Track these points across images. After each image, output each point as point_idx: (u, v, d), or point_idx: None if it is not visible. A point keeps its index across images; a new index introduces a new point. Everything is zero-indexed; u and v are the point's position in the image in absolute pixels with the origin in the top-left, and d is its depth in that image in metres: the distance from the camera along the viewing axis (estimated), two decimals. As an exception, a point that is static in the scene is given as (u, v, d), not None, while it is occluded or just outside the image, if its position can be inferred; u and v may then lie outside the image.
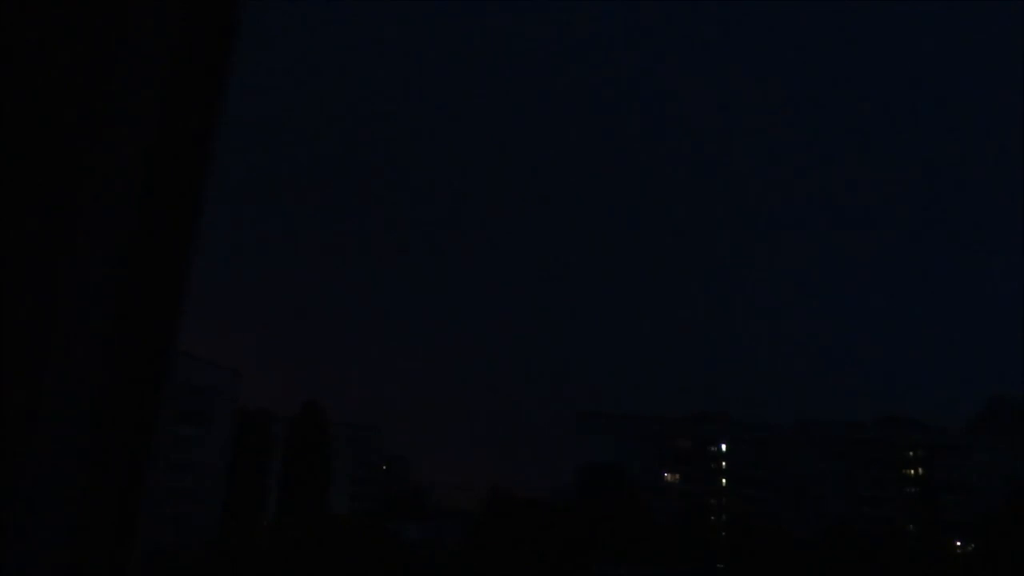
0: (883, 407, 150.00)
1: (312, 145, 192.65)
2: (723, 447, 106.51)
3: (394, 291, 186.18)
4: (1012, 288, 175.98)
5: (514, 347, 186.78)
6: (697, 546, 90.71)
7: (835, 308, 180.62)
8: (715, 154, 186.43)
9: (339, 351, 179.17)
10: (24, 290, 1.31)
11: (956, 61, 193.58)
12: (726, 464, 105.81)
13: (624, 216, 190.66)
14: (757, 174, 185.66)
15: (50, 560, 1.38)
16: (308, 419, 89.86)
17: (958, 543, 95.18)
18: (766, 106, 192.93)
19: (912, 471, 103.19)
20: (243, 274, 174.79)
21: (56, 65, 1.38)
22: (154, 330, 1.52)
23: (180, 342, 1.56)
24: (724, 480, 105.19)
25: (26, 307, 1.31)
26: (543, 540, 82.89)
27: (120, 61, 1.43)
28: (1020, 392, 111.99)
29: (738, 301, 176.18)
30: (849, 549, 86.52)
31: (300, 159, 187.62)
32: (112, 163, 1.44)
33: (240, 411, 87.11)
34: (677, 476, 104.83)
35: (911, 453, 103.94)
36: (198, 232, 1.58)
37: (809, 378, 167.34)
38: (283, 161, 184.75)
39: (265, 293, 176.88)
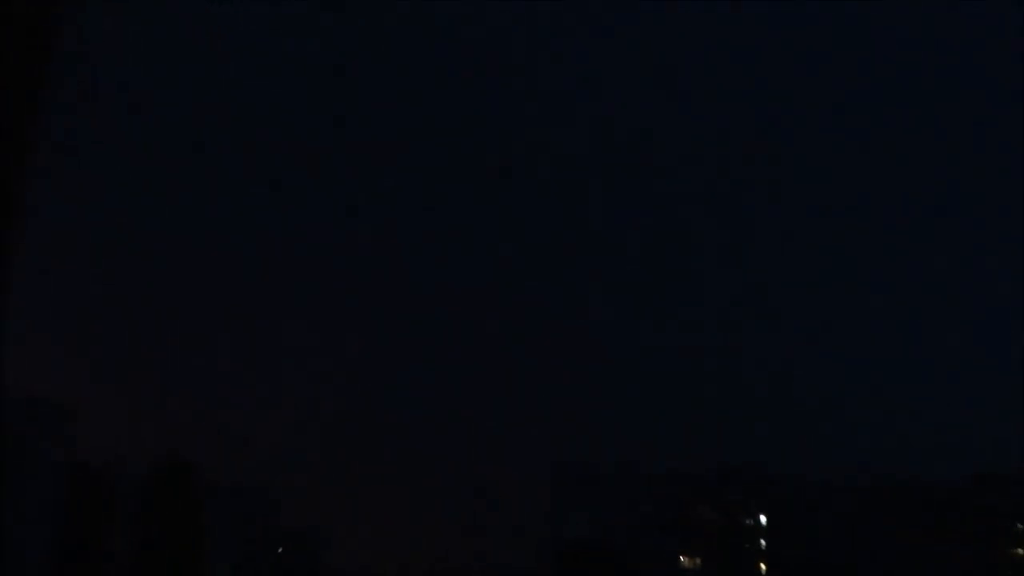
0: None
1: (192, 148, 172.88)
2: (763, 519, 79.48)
3: (303, 313, 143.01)
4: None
5: (464, 387, 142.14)
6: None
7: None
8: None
9: (219, 389, 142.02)
10: None
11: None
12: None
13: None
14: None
15: None
16: (171, 475, 70.40)
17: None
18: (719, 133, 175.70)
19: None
20: (84, 287, 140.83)
21: None
22: None
23: None
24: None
25: None
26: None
27: None
28: None
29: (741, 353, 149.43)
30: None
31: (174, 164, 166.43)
32: None
33: (74, 462, 68.73)
34: (697, 560, 78.17)
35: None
36: (18, 234, 1.50)
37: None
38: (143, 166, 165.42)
39: (113, 311, 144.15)
